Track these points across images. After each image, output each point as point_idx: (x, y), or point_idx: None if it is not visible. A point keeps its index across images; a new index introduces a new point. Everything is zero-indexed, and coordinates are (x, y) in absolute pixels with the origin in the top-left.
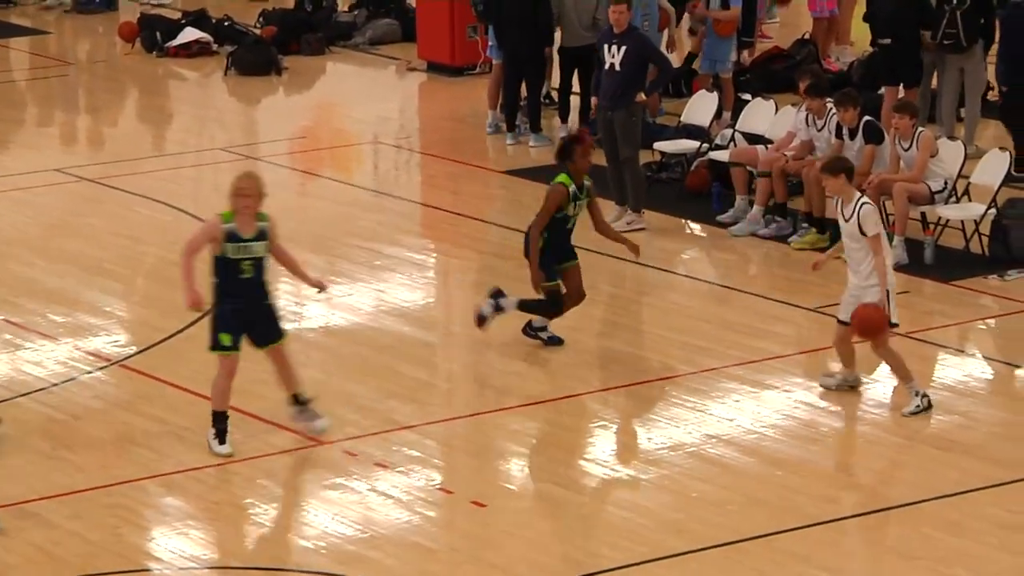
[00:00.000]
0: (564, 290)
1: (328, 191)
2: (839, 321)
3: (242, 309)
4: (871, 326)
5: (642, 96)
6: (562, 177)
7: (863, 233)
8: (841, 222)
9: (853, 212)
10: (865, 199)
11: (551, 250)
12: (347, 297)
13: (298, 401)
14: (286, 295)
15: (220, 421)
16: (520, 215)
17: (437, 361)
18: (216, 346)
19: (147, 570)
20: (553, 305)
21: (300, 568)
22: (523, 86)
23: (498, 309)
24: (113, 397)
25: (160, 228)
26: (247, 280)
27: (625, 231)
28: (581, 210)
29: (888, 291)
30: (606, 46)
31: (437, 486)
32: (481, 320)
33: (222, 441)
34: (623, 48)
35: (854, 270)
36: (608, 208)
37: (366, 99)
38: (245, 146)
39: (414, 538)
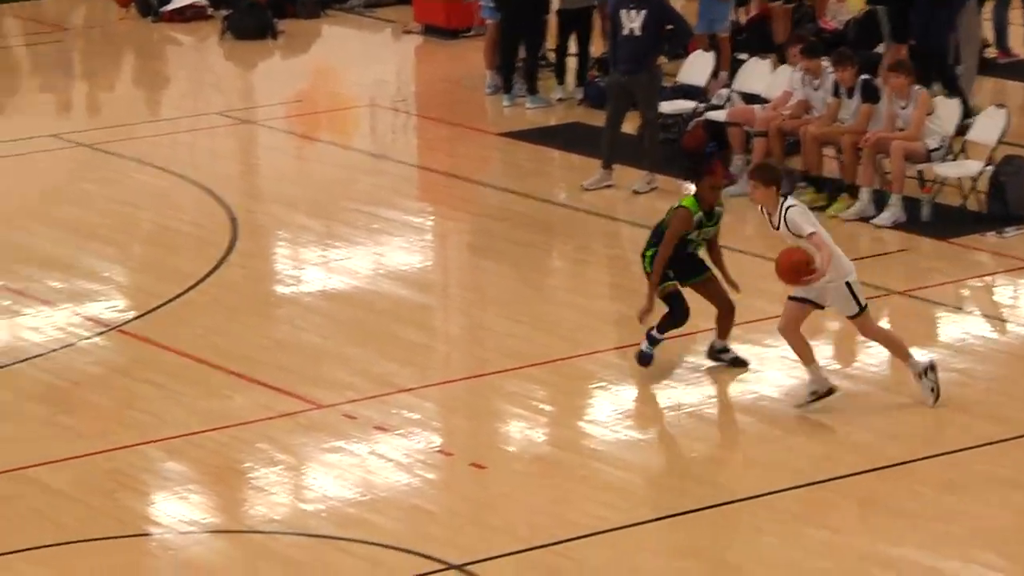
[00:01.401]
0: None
1: (325, 155)
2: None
3: None
4: (790, 267)
5: (662, 59)
6: (687, 201)
7: (798, 235)
8: (773, 231)
9: (780, 219)
10: (789, 202)
11: (672, 269)
12: (345, 261)
13: None
14: (284, 260)
15: None
16: (517, 178)
17: (435, 324)
18: None
19: (147, 534)
20: (677, 310)
21: (300, 531)
22: (520, 48)
23: (653, 341)
24: (112, 362)
25: (157, 193)
26: None
27: (645, 191)
28: (708, 235)
29: (848, 282)
30: (623, 11)
31: (436, 448)
32: (644, 359)
33: None
34: (642, 12)
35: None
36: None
37: (362, 62)
38: (242, 110)
39: (414, 501)
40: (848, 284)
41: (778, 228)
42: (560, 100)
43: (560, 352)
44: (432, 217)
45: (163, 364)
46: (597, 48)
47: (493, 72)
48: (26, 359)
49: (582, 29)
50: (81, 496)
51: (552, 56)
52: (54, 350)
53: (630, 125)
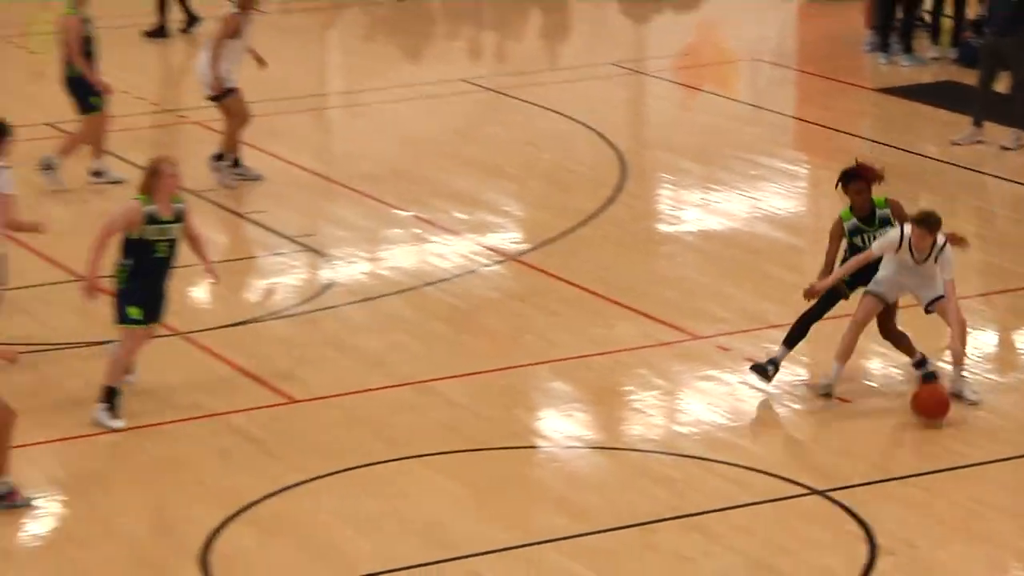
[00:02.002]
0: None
1: (709, 105)
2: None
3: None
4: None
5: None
6: (843, 212)
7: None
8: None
9: (933, 255)
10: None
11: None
12: (724, 204)
13: None
14: (667, 201)
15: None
16: (890, 131)
17: (806, 265)
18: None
19: (535, 447)
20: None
21: (673, 451)
22: (898, 8)
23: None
24: (508, 289)
25: (555, 136)
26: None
27: (1015, 148)
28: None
29: None
30: None
31: (803, 381)
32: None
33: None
34: None
35: None
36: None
37: (748, 20)
38: (634, 61)
39: (781, 429)
40: None
41: (921, 263)
42: (934, 59)
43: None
44: (807, 166)
45: (555, 293)
46: (972, 10)
47: (872, 31)
48: (432, 283)
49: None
50: (478, 409)
51: (928, 17)
52: (457, 276)
53: (1002, 85)
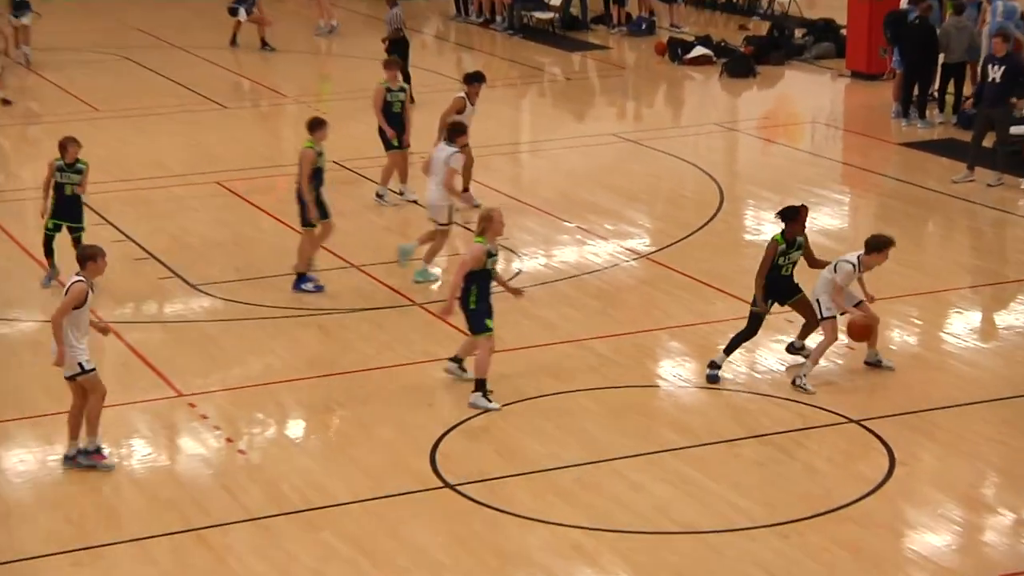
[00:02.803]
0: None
1: (782, 152)
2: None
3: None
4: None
5: (1013, 100)
6: (776, 236)
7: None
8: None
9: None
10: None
11: (770, 291)
12: None
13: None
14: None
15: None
16: (908, 172)
17: None
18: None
19: (656, 385)
20: (751, 329)
21: (751, 390)
22: (915, 87)
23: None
24: (640, 277)
25: (675, 172)
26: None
27: (996, 185)
28: (796, 259)
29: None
30: (989, 65)
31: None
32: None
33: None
34: (1002, 67)
35: None
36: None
37: (810, 93)
38: (729, 122)
39: (827, 376)
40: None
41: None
42: (940, 123)
43: None
44: (849, 195)
45: (673, 280)
46: (967, 89)
47: (897, 103)
48: (588, 272)
49: (958, 76)
50: (617, 359)
51: (936, 94)
52: (605, 268)
53: (988, 141)
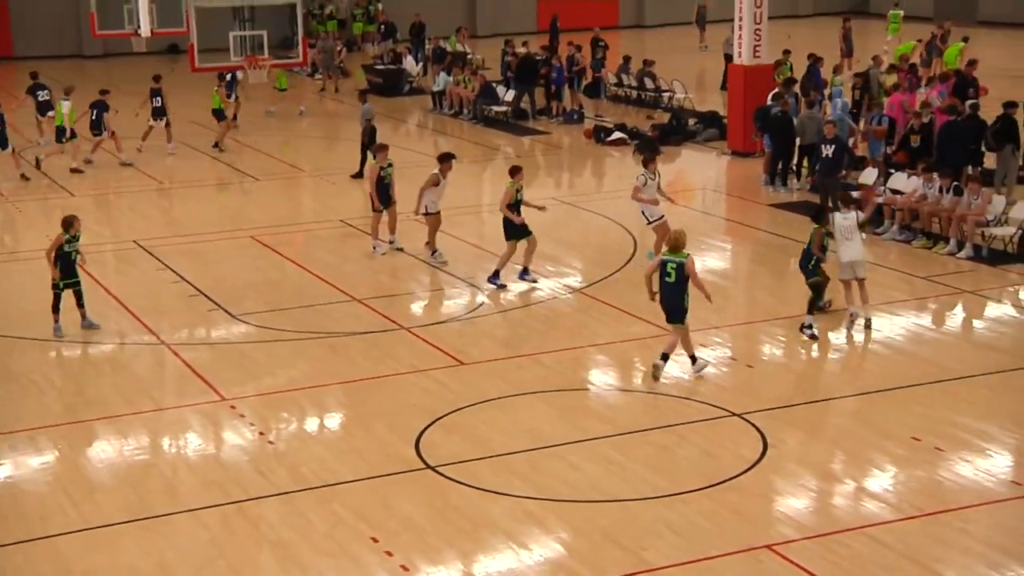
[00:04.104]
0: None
1: (680, 211)
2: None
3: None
4: None
5: (842, 172)
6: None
7: None
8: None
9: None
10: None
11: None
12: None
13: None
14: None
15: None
16: (774, 225)
17: (715, 286)
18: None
19: (586, 390)
20: (817, 295)
21: (657, 392)
22: (779, 163)
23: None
24: (572, 308)
25: (602, 229)
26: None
27: None
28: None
29: None
30: (823, 145)
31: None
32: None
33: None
34: (832, 146)
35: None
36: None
37: (701, 168)
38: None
39: (712, 380)
40: None
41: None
42: (798, 189)
43: None
44: (729, 242)
45: (599, 309)
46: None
47: (766, 174)
48: (536, 303)
49: (811, 154)
50: (556, 369)
51: (794, 167)
52: (548, 299)
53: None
